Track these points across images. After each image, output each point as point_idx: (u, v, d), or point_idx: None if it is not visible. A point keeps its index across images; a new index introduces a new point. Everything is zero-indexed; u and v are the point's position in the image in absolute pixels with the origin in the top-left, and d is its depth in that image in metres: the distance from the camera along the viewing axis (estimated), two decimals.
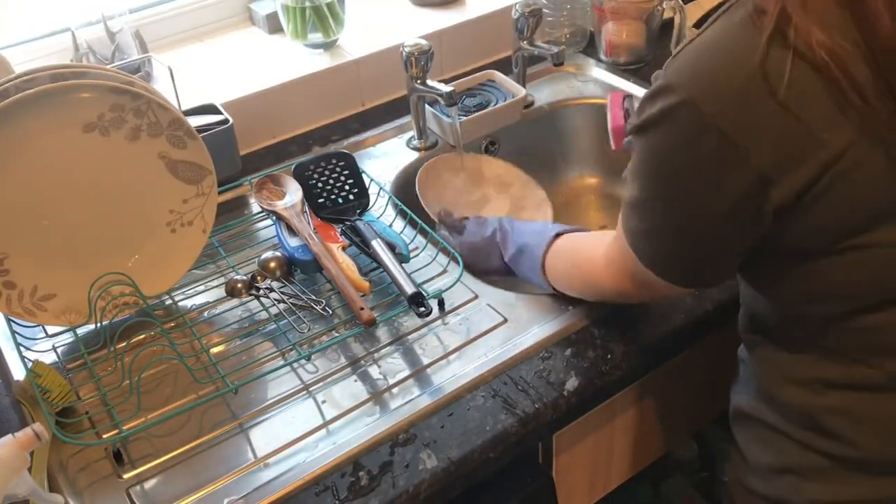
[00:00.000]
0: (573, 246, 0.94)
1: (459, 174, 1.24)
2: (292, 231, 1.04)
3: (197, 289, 1.04)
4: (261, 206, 1.10)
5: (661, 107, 0.65)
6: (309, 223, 1.05)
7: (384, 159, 1.27)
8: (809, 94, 0.60)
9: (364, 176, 1.14)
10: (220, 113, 1.18)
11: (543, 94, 1.41)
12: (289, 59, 1.35)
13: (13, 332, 0.94)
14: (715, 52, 0.63)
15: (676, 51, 0.66)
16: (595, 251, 0.87)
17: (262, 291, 1.00)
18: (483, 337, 0.95)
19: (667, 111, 0.65)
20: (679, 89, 0.63)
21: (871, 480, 0.74)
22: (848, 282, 0.67)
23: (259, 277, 1.01)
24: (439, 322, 0.98)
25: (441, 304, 0.98)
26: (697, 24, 0.73)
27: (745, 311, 0.84)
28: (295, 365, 0.93)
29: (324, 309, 0.97)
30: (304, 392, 0.90)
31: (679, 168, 0.67)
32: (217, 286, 1.04)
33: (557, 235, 0.95)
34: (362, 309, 0.91)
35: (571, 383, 0.89)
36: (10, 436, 0.72)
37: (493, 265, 1.03)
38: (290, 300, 0.98)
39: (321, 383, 0.91)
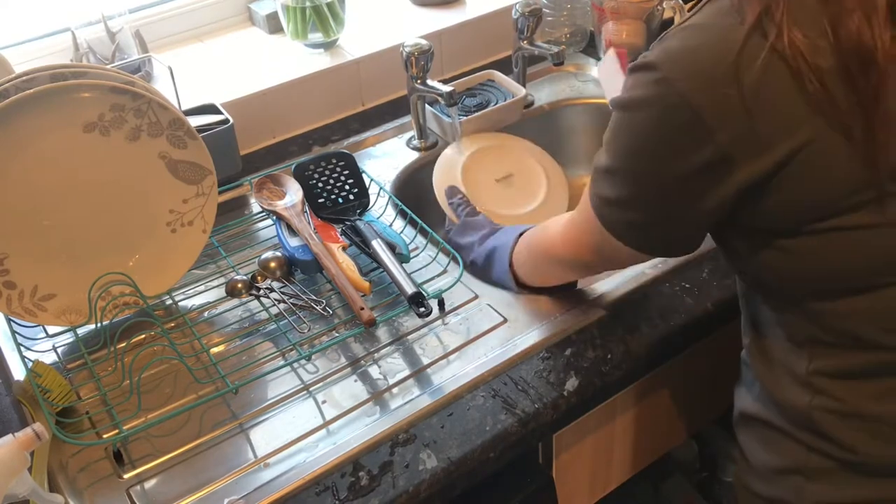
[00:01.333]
0: (533, 234, 0.97)
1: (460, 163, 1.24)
2: (292, 231, 1.04)
3: (197, 289, 1.04)
4: (261, 206, 1.10)
5: (642, 81, 0.68)
6: (309, 223, 1.05)
7: (384, 159, 1.27)
8: (780, 84, 0.62)
9: (364, 176, 1.14)
10: (220, 113, 1.18)
11: (543, 94, 1.41)
12: (289, 59, 1.35)
13: (13, 332, 0.94)
14: (697, 36, 0.66)
15: (665, 32, 0.69)
16: (552, 229, 0.91)
17: (262, 291, 1.00)
18: (483, 337, 0.95)
19: (646, 85, 0.68)
20: (660, 67, 0.66)
21: (874, 482, 0.74)
22: (821, 264, 0.69)
23: (259, 277, 1.01)
24: (439, 322, 0.98)
25: (441, 304, 0.98)
26: (691, 8, 0.75)
27: (744, 312, 0.85)
28: (295, 365, 0.93)
29: (324, 309, 0.97)
30: (305, 392, 0.90)
31: (649, 138, 0.69)
32: (217, 286, 1.04)
33: (521, 234, 0.99)
34: (362, 309, 0.91)
35: (571, 383, 0.89)
36: (10, 436, 0.72)
37: (470, 267, 1.06)
38: (291, 300, 0.98)
39: (321, 383, 0.91)
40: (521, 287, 0.99)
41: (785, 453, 0.79)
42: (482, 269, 1.03)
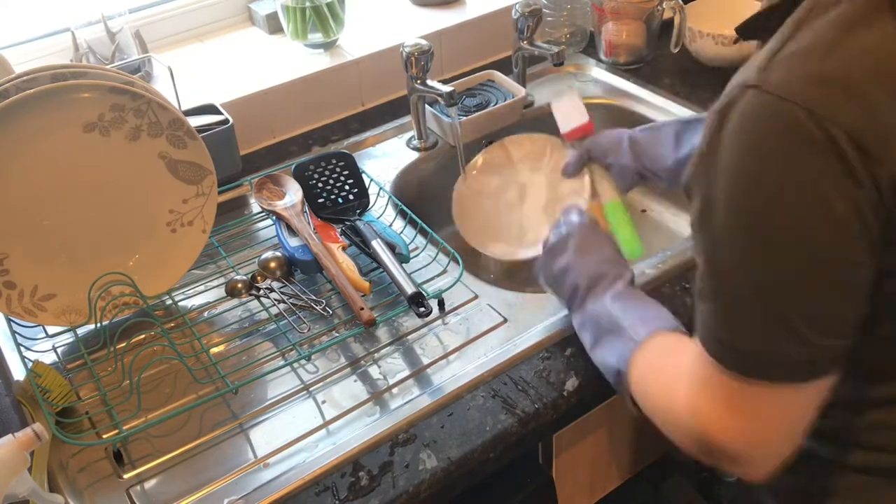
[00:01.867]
0: (663, 355, 0.74)
1: (485, 179, 1.18)
2: (292, 231, 1.04)
3: (197, 289, 1.04)
4: (261, 206, 1.10)
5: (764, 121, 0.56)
6: (309, 223, 1.05)
7: (384, 159, 1.27)
8: None
9: (364, 176, 1.14)
10: (220, 113, 1.18)
11: (543, 94, 1.41)
12: (289, 59, 1.35)
13: (13, 332, 0.94)
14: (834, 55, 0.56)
15: (769, 61, 0.59)
16: (680, 388, 0.68)
17: (262, 291, 1.00)
18: (483, 337, 0.95)
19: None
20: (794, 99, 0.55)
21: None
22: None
23: (259, 277, 1.01)
24: (439, 322, 0.98)
25: (441, 304, 0.98)
26: (741, 31, 0.68)
27: None
28: (295, 365, 0.93)
29: (324, 309, 0.97)
30: (304, 392, 0.90)
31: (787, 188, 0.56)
32: (217, 286, 1.04)
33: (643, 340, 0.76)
34: (362, 309, 0.91)
35: (571, 383, 0.89)
36: (10, 436, 0.72)
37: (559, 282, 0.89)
38: (291, 300, 0.98)
39: (321, 383, 0.91)
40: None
41: (805, 473, 0.74)
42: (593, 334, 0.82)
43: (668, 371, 0.71)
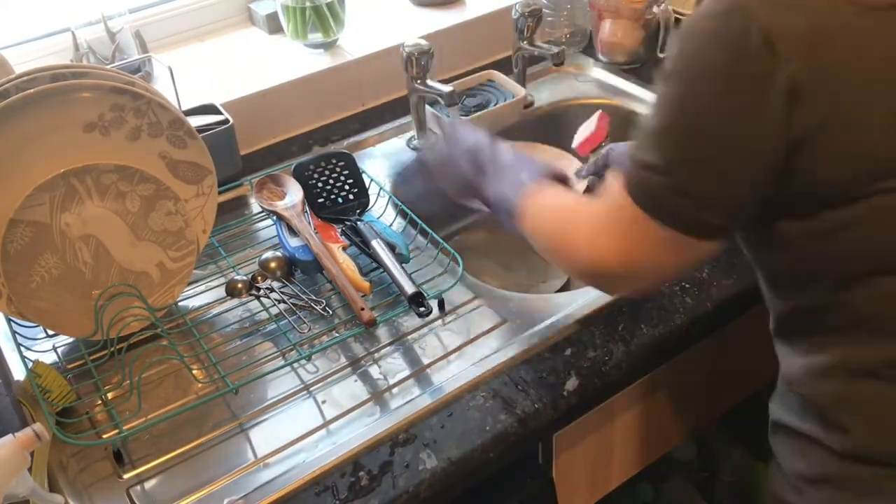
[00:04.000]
0: (554, 203, 0.85)
1: None
2: (293, 231, 1.04)
3: (197, 289, 1.04)
4: (261, 206, 1.10)
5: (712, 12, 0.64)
6: (309, 223, 1.05)
7: (384, 159, 1.27)
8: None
9: (364, 176, 1.14)
10: (220, 113, 1.18)
11: (543, 94, 1.41)
12: (289, 59, 1.35)
13: (13, 332, 0.94)
14: None
15: None
16: (577, 221, 0.79)
17: (262, 291, 1.00)
18: (483, 337, 0.95)
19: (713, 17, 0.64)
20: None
21: None
22: (868, 237, 0.67)
23: (259, 277, 1.01)
24: (439, 322, 0.98)
25: (441, 304, 0.98)
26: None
27: (772, 315, 0.82)
28: (295, 365, 0.93)
29: (324, 309, 0.97)
30: (305, 392, 0.90)
31: (718, 64, 0.65)
32: (217, 286, 1.04)
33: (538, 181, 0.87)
34: (363, 309, 0.91)
35: (571, 383, 0.89)
36: (10, 436, 0.72)
37: (454, 181, 0.95)
38: (291, 300, 0.98)
39: (321, 383, 0.91)
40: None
41: (815, 462, 0.77)
42: (498, 203, 0.89)
43: (563, 213, 0.82)
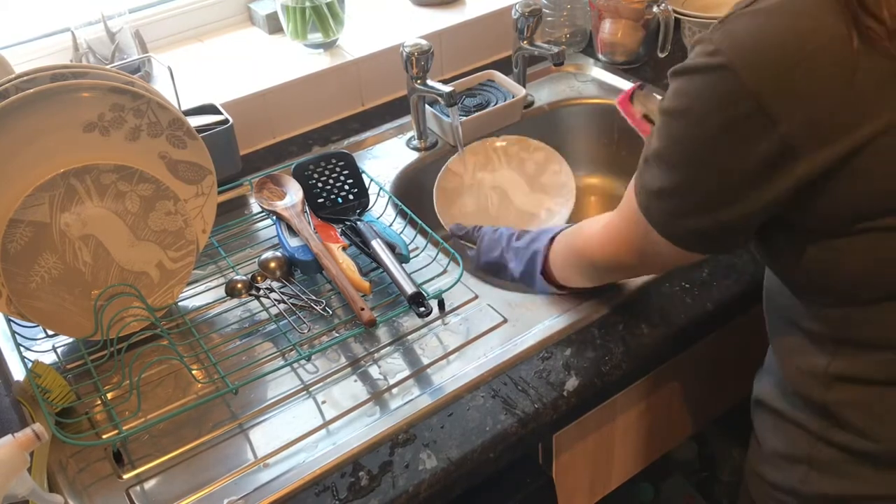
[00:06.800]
0: (568, 235, 0.94)
1: (467, 177, 1.24)
2: (293, 231, 1.04)
3: (197, 289, 1.04)
4: (261, 206, 1.10)
5: (702, 65, 0.65)
6: (309, 223, 1.05)
7: (384, 159, 1.27)
8: (865, 69, 0.60)
9: (364, 176, 1.14)
10: (220, 113, 1.18)
11: (543, 94, 1.41)
12: (289, 59, 1.35)
13: (13, 333, 0.94)
14: (775, 26, 0.63)
15: (729, 13, 0.66)
16: (588, 231, 0.88)
17: (262, 292, 1.00)
18: (483, 337, 0.95)
19: (706, 71, 0.65)
20: (722, 52, 0.63)
21: (882, 475, 0.74)
22: (865, 267, 0.67)
23: (259, 277, 1.01)
24: (439, 322, 0.98)
25: (441, 304, 0.98)
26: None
27: (767, 295, 0.83)
28: (295, 365, 0.93)
29: (324, 309, 0.97)
30: (304, 392, 0.90)
31: (709, 124, 0.66)
32: (217, 286, 1.04)
33: (552, 239, 0.95)
34: (363, 309, 0.91)
35: (571, 383, 0.89)
36: (10, 436, 0.72)
37: (509, 277, 1.03)
38: (291, 300, 0.98)
39: (321, 383, 0.91)
40: (561, 288, 0.97)
41: (793, 441, 0.79)
42: (526, 278, 0.99)
43: (577, 242, 0.91)
